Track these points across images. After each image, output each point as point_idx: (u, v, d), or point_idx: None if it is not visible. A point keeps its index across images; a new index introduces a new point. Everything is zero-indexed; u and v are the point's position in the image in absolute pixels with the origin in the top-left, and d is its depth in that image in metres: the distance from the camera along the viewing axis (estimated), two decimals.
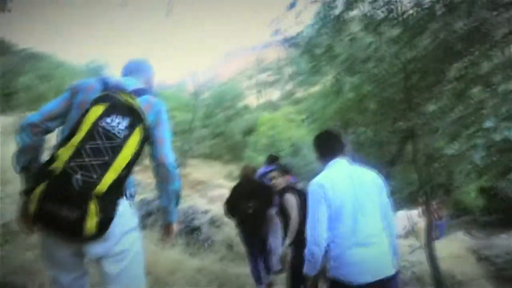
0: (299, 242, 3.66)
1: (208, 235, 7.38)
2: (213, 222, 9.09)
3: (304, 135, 38.69)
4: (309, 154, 35.03)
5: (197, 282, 4.72)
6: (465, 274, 10.98)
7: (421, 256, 10.91)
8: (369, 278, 2.26)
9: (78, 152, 1.66)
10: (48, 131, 2.00)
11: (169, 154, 1.96)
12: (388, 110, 4.29)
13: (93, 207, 1.62)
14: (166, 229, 2.21)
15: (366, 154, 4.58)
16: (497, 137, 2.84)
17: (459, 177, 3.32)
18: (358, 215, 2.36)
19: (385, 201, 2.52)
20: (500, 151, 3.22)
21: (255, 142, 38.26)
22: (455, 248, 12.76)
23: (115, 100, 1.81)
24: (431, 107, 4.06)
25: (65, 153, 1.67)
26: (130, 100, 1.85)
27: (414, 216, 13.40)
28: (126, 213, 1.88)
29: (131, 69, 2.29)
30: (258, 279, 5.37)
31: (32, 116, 1.96)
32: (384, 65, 4.13)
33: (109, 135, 1.71)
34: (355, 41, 4.41)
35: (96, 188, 1.63)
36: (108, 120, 1.74)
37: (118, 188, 1.75)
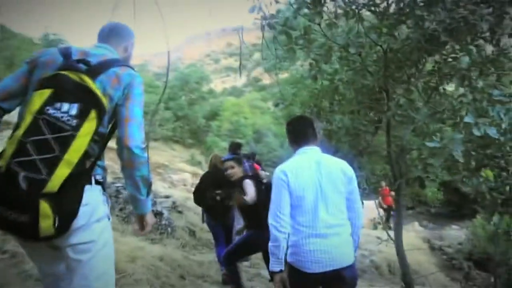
0: (257, 226, 3.95)
1: (170, 221, 7.12)
2: (175, 207, 8.84)
3: (269, 123, 39.07)
4: (273, 141, 35.51)
5: (158, 271, 4.49)
6: (419, 264, 11.43)
7: (380, 245, 11.18)
8: (324, 268, 2.27)
9: (22, 147, 1.47)
10: (5, 112, 1.78)
11: (135, 135, 1.71)
12: (365, 99, 4.19)
13: (45, 207, 1.45)
14: (139, 221, 1.95)
15: (339, 143, 4.49)
16: (476, 132, 2.80)
17: (436, 171, 3.28)
18: (320, 204, 2.34)
19: (353, 192, 2.48)
20: (478, 147, 3.20)
21: (219, 127, 38.13)
22: (410, 238, 13.25)
23: (63, 82, 1.58)
24: (407, 99, 4.01)
25: (10, 147, 1.49)
26: (84, 80, 1.61)
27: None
28: (93, 201, 1.69)
29: (107, 34, 2.00)
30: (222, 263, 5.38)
31: None
32: (364, 53, 4.00)
33: (56, 125, 1.51)
34: (333, 26, 4.24)
35: (46, 187, 1.46)
36: (55, 107, 1.53)
37: (78, 181, 1.58)
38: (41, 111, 1.51)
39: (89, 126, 1.55)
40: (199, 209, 8.66)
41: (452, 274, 12.70)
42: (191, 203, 10.11)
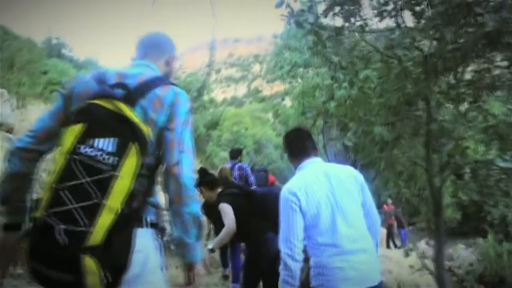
0: (251, 242, 3.75)
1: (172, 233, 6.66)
2: None
3: (269, 134, 38.81)
4: (273, 153, 35.16)
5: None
6: (430, 285, 10.91)
7: (390, 265, 10.63)
8: (354, 286, 2.09)
9: (57, 195, 1.27)
10: (44, 153, 1.59)
11: (184, 162, 1.45)
12: (405, 109, 3.72)
13: (89, 263, 1.23)
14: (187, 270, 1.57)
15: (368, 158, 4.01)
16: None
17: (496, 194, 2.82)
18: (338, 219, 2.16)
19: (368, 198, 2.31)
20: None
21: (219, 136, 37.83)
22: (417, 257, 12.73)
23: (96, 113, 1.37)
24: (451, 111, 3.56)
25: (44, 196, 1.29)
26: (120, 108, 1.38)
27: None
28: (146, 247, 1.43)
29: (145, 47, 1.74)
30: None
31: (22, 138, 1.56)
32: (406, 57, 3.54)
33: (92, 166, 1.29)
34: (366, 27, 3.81)
35: (88, 240, 1.23)
36: (89, 144, 1.32)
37: (126, 227, 1.32)
38: (73, 150, 1.31)
39: (131, 163, 1.33)
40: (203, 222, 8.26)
41: None
42: None
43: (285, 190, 2.25)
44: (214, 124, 40.22)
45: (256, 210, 3.73)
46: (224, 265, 5.84)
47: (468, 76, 4.11)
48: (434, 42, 3.59)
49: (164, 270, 1.52)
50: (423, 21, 3.67)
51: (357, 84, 3.71)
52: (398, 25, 3.56)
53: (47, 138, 1.55)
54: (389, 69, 3.57)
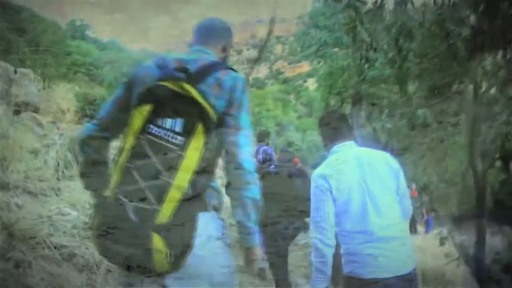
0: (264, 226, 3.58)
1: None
2: None
3: (291, 116, 38.64)
4: (294, 135, 35.05)
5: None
6: (454, 274, 10.69)
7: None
8: (387, 274, 2.02)
9: (127, 174, 1.35)
10: (110, 139, 1.66)
11: (244, 147, 1.48)
12: (446, 90, 3.47)
13: (157, 240, 1.28)
14: (247, 254, 1.61)
15: (403, 142, 3.78)
16: None
17: None
18: (369, 207, 2.09)
19: (401, 186, 2.20)
20: None
21: None
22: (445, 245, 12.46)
23: (163, 94, 1.40)
24: (496, 94, 3.28)
25: (115, 175, 1.38)
26: (186, 90, 1.40)
27: None
28: (209, 230, 1.44)
29: (203, 33, 1.77)
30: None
31: (88, 127, 1.65)
32: (453, 34, 3.27)
33: (161, 145, 1.35)
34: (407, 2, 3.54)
35: (157, 218, 1.29)
36: (157, 124, 1.38)
37: (191, 207, 1.36)
38: (143, 130, 1.37)
39: (197, 143, 1.36)
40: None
41: (488, 285, 11.85)
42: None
43: (316, 176, 2.20)
44: None
45: (268, 191, 3.73)
46: None
47: None
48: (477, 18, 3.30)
49: (228, 243, 1.53)
50: None
51: (398, 62, 3.46)
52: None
53: (111, 124, 1.61)
54: (434, 47, 3.31)
